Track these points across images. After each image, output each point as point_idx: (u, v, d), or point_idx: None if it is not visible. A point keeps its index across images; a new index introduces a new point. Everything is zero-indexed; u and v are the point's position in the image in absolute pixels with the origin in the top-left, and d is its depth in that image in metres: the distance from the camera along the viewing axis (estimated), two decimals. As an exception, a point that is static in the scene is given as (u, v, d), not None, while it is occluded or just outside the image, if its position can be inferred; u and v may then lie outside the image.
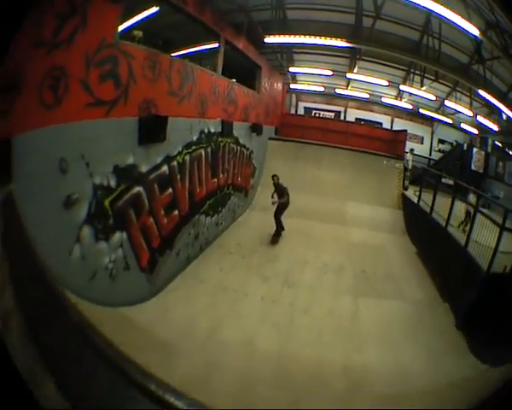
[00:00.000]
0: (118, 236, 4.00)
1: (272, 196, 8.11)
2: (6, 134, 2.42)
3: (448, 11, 6.60)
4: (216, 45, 7.44)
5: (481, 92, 9.76)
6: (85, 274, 3.41)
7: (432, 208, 8.61)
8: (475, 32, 7.06)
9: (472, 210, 6.94)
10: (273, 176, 8.25)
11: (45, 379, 1.23)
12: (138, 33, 5.35)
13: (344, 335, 5.22)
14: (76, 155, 3.21)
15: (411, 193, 10.58)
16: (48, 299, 1.67)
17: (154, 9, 5.93)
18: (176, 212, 5.88)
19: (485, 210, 7.62)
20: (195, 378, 3.44)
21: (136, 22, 5.22)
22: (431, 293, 6.96)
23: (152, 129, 4.66)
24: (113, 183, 3.87)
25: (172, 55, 6.02)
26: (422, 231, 8.99)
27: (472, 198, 7.87)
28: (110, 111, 3.75)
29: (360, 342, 5.14)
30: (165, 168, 5.35)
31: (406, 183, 11.30)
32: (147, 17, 5.85)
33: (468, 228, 6.66)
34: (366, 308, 6.09)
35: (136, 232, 4.51)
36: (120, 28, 3.91)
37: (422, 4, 6.55)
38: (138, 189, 4.55)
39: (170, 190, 5.62)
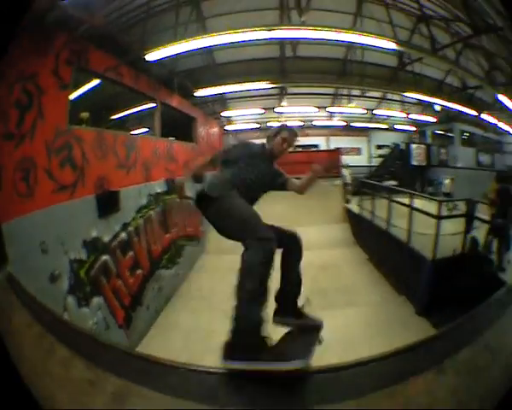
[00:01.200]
0: (96, 300, 4.58)
1: None
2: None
3: (362, 37, 7.33)
4: (153, 105, 8.32)
5: (410, 94, 11.14)
6: None
7: (373, 215, 9.48)
8: (392, 45, 7.91)
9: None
10: None
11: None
12: (85, 115, 6.05)
13: None
14: (52, 237, 3.86)
15: (354, 205, 11.59)
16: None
17: (93, 84, 6.62)
18: (139, 271, 6.48)
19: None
20: None
21: (78, 97, 5.77)
22: (387, 292, 7.58)
23: (108, 203, 5.40)
24: (84, 256, 4.51)
25: (117, 125, 6.79)
26: (369, 238, 9.80)
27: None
28: (72, 193, 4.46)
29: (321, 354, 5.63)
30: (123, 235, 6.02)
31: (347, 196, 12.35)
32: (88, 91, 6.49)
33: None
34: (325, 322, 6.70)
35: (110, 295, 5.09)
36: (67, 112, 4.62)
37: (337, 39, 7.38)
38: (105, 257, 5.18)
39: (131, 252, 6.25)
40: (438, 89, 11.85)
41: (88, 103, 6.40)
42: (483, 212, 6.96)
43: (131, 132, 7.75)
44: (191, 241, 9.83)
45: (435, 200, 7.37)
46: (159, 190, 7.88)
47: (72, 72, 4.59)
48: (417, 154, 15.75)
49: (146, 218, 7.14)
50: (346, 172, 13.00)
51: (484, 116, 12.60)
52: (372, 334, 5.92)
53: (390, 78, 11.76)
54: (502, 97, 9.75)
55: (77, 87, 5.71)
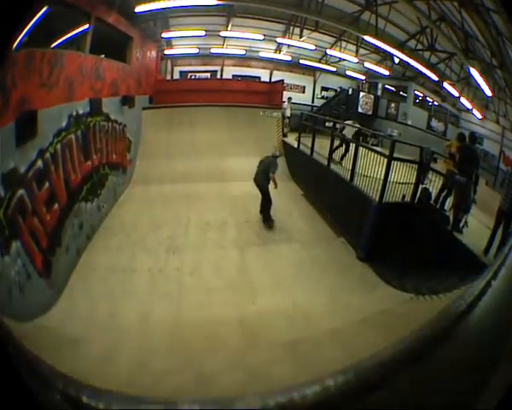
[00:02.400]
0: (14, 245, 4.05)
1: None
2: None
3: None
4: (86, 27, 7.08)
5: (370, 39, 10.74)
6: (6, 294, 3.54)
7: (312, 150, 9.33)
8: None
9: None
10: None
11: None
12: (26, 40, 4.85)
13: (235, 289, 5.56)
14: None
15: (292, 139, 11.48)
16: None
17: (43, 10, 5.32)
18: (56, 205, 5.83)
19: (378, 148, 8.41)
20: (97, 365, 3.62)
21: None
22: (323, 231, 7.54)
23: (24, 127, 4.57)
24: (2, 193, 3.86)
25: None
26: (306, 174, 9.69)
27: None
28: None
29: (253, 292, 5.50)
30: (39, 163, 5.22)
31: (286, 130, 12.24)
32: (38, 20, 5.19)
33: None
34: (254, 258, 6.53)
35: (27, 237, 4.54)
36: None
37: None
38: (21, 191, 4.50)
39: (47, 184, 5.52)
40: (400, 44, 11.77)
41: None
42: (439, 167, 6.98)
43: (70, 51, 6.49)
44: (116, 169, 9.12)
45: (390, 139, 7.33)
46: (81, 112, 6.90)
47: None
48: (365, 102, 16.01)
49: (64, 143, 6.26)
50: (287, 105, 12.84)
51: (446, 85, 12.83)
52: (309, 274, 5.99)
53: (351, 19, 11.41)
54: (474, 72, 9.83)
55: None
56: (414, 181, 6.69)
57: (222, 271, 6.13)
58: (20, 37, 3.61)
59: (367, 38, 10.71)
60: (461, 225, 5.91)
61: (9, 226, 3.97)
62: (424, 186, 6.70)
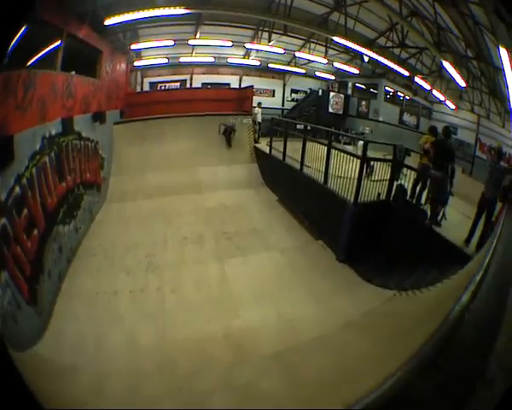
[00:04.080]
0: (3, 275, 3.99)
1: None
2: None
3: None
4: (58, 40, 7.01)
5: (339, 40, 10.88)
6: (3, 325, 3.49)
7: (284, 154, 9.45)
8: None
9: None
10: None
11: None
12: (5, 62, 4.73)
13: (217, 304, 5.61)
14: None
15: (264, 145, 11.62)
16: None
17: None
18: (35, 231, 5.72)
19: (350, 147, 8.82)
20: (90, 395, 3.66)
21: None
22: (301, 236, 7.54)
23: (1, 152, 4.52)
24: (-13, 223, 3.81)
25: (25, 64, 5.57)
26: (280, 179, 9.77)
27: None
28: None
29: (236, 306, 5.55)
30: (17, 189, 5.14)
31: (256, 136, 12.39)
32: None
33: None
34: (234, 270, 6.57)
35: (12, 266, 4.46)
36: None
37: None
38: (3, 220, 4.44)
39: (25, 210, 5.43)
40: (369, 43, 12.11)
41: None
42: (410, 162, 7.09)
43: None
44: (90, 188, 8.97)
45: (362, 140, 7.47)
46: (54, 132, 6.80)
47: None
48: (335, 102, 16.37)
49: (39, 166, 6.16)
50: (258, 110, 12.99)
51: (417, 80, 13.27)
52: (291, 282, 6.01)
53: (320, 20, 11.68)
54: (446, 65, 10.12)
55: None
56: (388, 178, 6.88)
57: (203, 286, 6.17)
58: None
59: (336, 38, 10.92)
60: (439, 218, 6.09)
61: (-3, 257, 3.91)
62: (399, 183, 6.91)
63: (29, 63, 7.10)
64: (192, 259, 7.08)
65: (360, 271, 6.15)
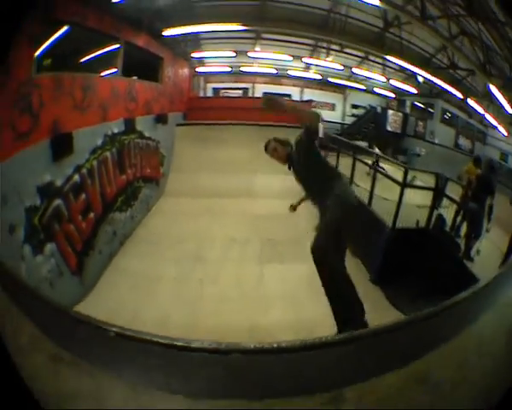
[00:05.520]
0: (49, 247, 4.86)
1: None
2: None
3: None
4: (117, 46, 8.01)
5: (392, 59, 11.00)
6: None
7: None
8: (376, 2, 8.28)
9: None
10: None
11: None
12: (47, 61, 5.81)
13: (250, 301, 5.85)
14: (10, 187, 4.00)
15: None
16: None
17: (63, 30, 6.34)
18: (92, 215, 6.71)
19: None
20: None
21: (47, 47, 5.59)
22: None
23: (61, 146, 5.45)
24: (38, 202, 4.68)
25: (78, 67, 6.64)
26: None
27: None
28: (29, 140, 4.51)
29: (266, 306, 5.76)
30: (76, 177, 6.13)
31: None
32: (56, 41, 6.21)
33: None
34: (272, 274, 6.79)
35: (62, 240, 5.37)
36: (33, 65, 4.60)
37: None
38: (58, 202, 5.35)
39: (83, 196, 6.42)
40: (424, 61, 11.72)
41: (55, 51, 6.08)
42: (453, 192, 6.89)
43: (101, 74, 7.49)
44: (149, 182, 10.02)
45: (403, 166, 7.28)
46: (116, 131, 7.84)
47: (38, 24, 4.42)
48: (393, 120, 15.79)
49: (101, 159, 7.18)
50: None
51: (470, 102, 12.50)
52: (318, 293, 5.74)
53: (374, 38, 11.51)
54: (493, 89, 9.79)
55: (44, 38, 5.49)
56: (429, 206, 6.66)
57: (241, 284, 6.43)
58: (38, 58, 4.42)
59: (390, 57, 10.94)
60: (472, 253, 5.89)
61: (44, 231, 4.78)
62: (439, 213, 6.70)
63: (84, 66, 8.29)
64: (236, 258, 7.42)
65: (390, 295, 6.06)
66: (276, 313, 5.59)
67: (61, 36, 6.13)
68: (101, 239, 6.93)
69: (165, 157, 11.10)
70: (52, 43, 5.98)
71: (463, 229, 6.43)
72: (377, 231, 6.75)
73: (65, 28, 6.07)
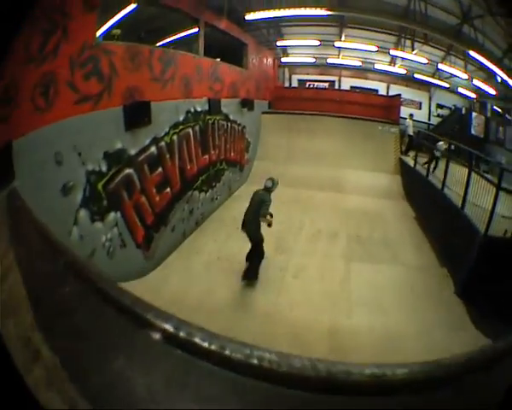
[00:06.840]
0: (112, 216, 4.78)
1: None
2: (7, 138, 3.01)
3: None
4: (196, 30, 7.95)
5: (473, 54, 10.11)
6: (84, 252, 4.17)
7: (428, 172, 8.94)
8: None
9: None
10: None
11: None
12: (116, 32, 5.95)
13: (333, 299, 5.52)
14: (69, 147, 3.92)
15: (410, 158, 10.92)
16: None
17: (132, 7, 6.47)
18: (168, 189, 6.61)
19: (488, 176, 7.84)
20: None
21: (117, 22, 5.76)
22: (429, 258, 7.16)
23: (136, 114, 5.35)
24: (104, 168, 4.61)
25: (156, 44, 6.65)
26: (421, 196, 9.27)
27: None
28: (96, 104, 4.43)
29: (349, 306, 5.43)
30: (153, 149, 6.05)
31: (404, 148, 11.69)
32: (126, 15, 6.39)
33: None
34: (358, 273, 6.41)
35: (130, 211, 5.28)
36: (100, 31, 4.56)
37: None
38: (129, 170, 5.28)
39: (160, 169, 6.33)
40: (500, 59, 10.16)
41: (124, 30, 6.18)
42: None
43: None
44: (233, 167, 9.80)
45: (500, 166, 6.62)
46: (200, 109, 7.69)
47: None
48: (477, 123, 14.53)
49: (182, 135, 7.07)
50: (409, 122, 11.99)
51: None
52: (405, 300, 5.70)
53: (454, 31, 10.46)
54: None
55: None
56: None
57: (325, 279, 6.10)
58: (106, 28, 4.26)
59: (471, 52, 9.95)
60: None
61: (108, 198, 4.70)
62: None
63: (163, 42, 8.20)
64: (321, 252, 7.09)
65: (473, 311, 5.51)
66: (360, 317, 5.20)
67: (131, 11, 6.26)
68: (176, 216, 6.83)
69: (250, 143, 10.81)
70: (123, 17, 6.14)
71: None
72: (468, 239, 6.19)
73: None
